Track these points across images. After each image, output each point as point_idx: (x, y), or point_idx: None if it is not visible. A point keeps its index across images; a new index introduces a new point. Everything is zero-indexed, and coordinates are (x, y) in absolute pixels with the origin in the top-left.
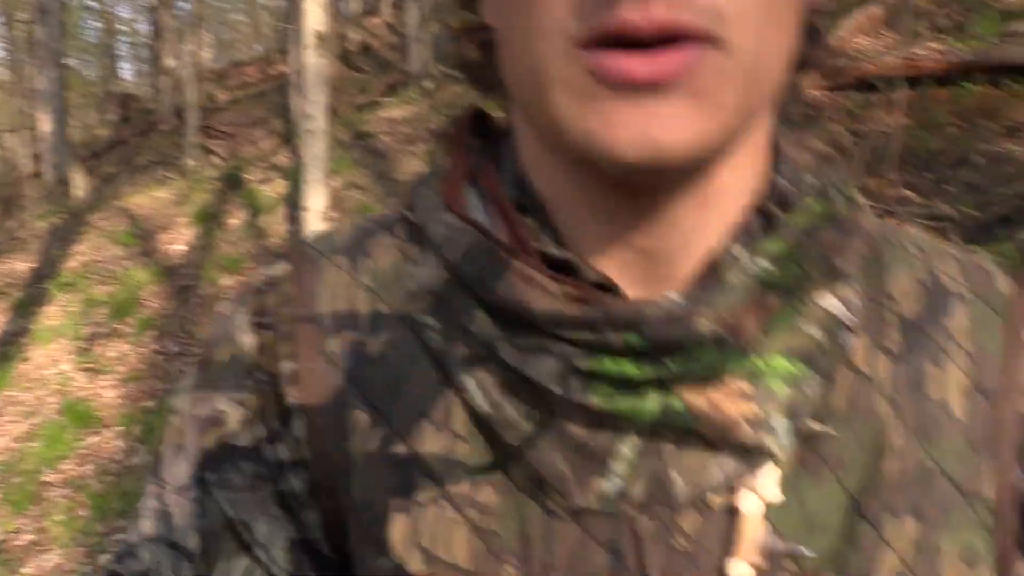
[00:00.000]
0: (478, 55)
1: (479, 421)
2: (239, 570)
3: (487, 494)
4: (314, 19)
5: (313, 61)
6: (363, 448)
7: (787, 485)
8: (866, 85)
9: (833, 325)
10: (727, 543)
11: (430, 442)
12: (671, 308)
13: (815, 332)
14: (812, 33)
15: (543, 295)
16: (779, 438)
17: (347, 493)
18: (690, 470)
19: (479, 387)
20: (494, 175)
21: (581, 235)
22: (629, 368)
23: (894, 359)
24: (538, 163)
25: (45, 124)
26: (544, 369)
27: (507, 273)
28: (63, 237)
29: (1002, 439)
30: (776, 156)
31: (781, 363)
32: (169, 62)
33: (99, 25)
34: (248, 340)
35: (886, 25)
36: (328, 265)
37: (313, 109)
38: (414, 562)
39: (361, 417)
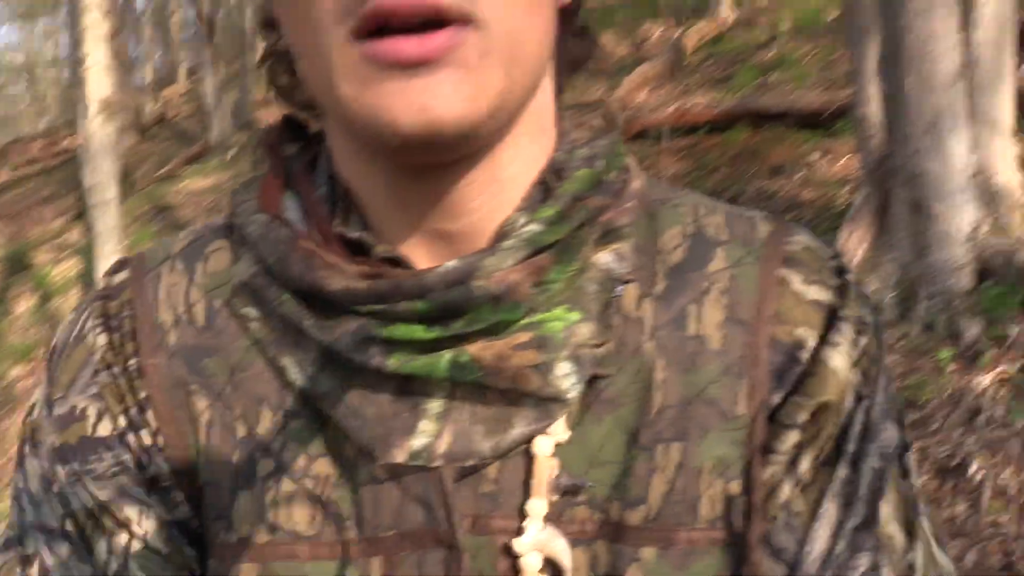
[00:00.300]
0: (286, 77)
1: (304, 398)
2: (120, 544)
3: (321, 465)
4: (99, 87)
5: (99, 130)
6: (207, 433)
7: (573, 426)
8: (646, 135)
9: (607, 279)
10: (526, 483)
11: (266, 422)
12: (448, 274)
13: (591, 286)
14: (574, 27)
15: (338, 275)
16: (566, 383)
17: (198, 476)
18: (491, 422)
19: (296, 365)
20: (305, 176)
21: (384, 220)
22: (419, 332)
23: (658, 302)
24: (344, 158)
25: None
26: (345, 341)
27: (308, 260)
28: None
29: (757, 362)
30: (559, 137)
31: (559, 313)
32: None
33: None
34: (98, 340)
35: (662, 80)
36: (166, 270)
37: (102, 179)
38: (259, 534)
39: (203, 405)
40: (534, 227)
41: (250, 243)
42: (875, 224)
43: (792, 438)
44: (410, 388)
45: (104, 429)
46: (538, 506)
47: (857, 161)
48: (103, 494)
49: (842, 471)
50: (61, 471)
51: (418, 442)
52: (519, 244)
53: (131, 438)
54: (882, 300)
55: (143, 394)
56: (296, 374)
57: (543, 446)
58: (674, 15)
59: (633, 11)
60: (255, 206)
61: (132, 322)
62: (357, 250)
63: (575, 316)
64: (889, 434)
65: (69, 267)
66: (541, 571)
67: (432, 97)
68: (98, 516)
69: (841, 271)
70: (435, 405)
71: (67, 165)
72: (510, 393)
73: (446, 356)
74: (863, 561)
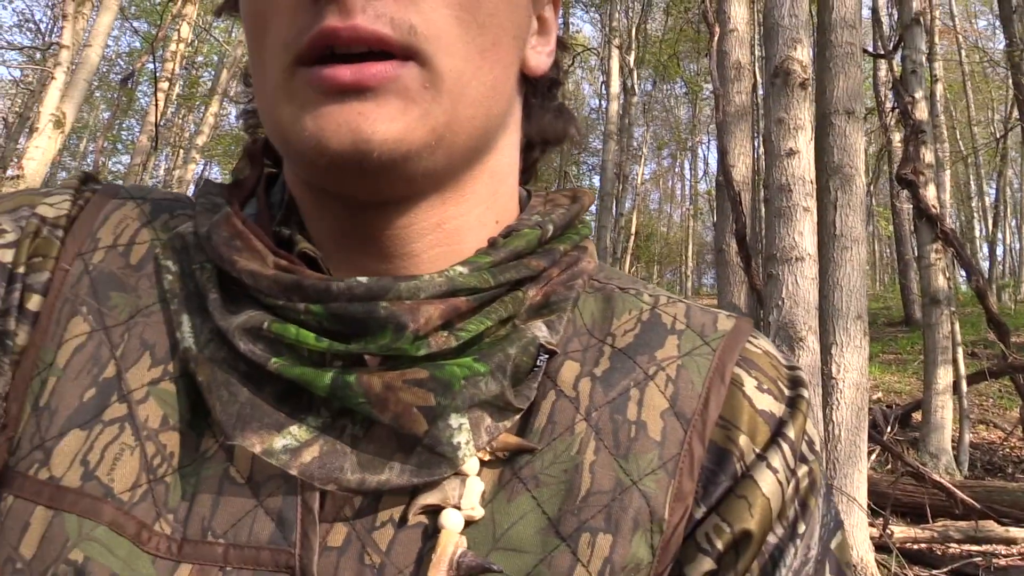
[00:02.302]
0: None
1: (187, 363)
2: None
3: (174, 441)
4: None
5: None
6: (70, 358)
7: (485, 503)
8: None
9: (531, 345)
10: (419, 560)
11: (140, 371)
12: (357, 287)
13: (511, 348)
14: (547, 102)
15: (253, 259)
16: (457, 437)
17: (39, 390)
18: (367, 457)
19: (191, 329)
20: (264, 188)
21: (327, 254)
22: (309, 338)
23: (598, 382)
24: (297, 194)
25: None
26: (234, 324)
27: (233, 237)
28: None
29: (691, 464)
30: (522, 210)
31: (465, 361)
32: None
33: None
34: (62, 206)
35: None
36: (132, 204)
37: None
38: (71, 476)
39: (82, 329)
40: (460, 268)
41: (196, 212)
42: None
43: (705, 565)
44: (297, 397)
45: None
46: None
47: None
48: None
49: None
50: None
51: (282, 441)
52: (440, 280)
53: None
54: None
55: (37, 282)
56: (188, 336)
57: (452, 519)
58: None
59: None
60: (218, 191)
61: (78, 217)
62: (289, 250)
63: (481, 368)
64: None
65: None
66: None
67: (363, 119)
68: None
69: (797, 383)
70: (315, 419)
71: None
72: (398, 437)
73: (330, 373)
74: None
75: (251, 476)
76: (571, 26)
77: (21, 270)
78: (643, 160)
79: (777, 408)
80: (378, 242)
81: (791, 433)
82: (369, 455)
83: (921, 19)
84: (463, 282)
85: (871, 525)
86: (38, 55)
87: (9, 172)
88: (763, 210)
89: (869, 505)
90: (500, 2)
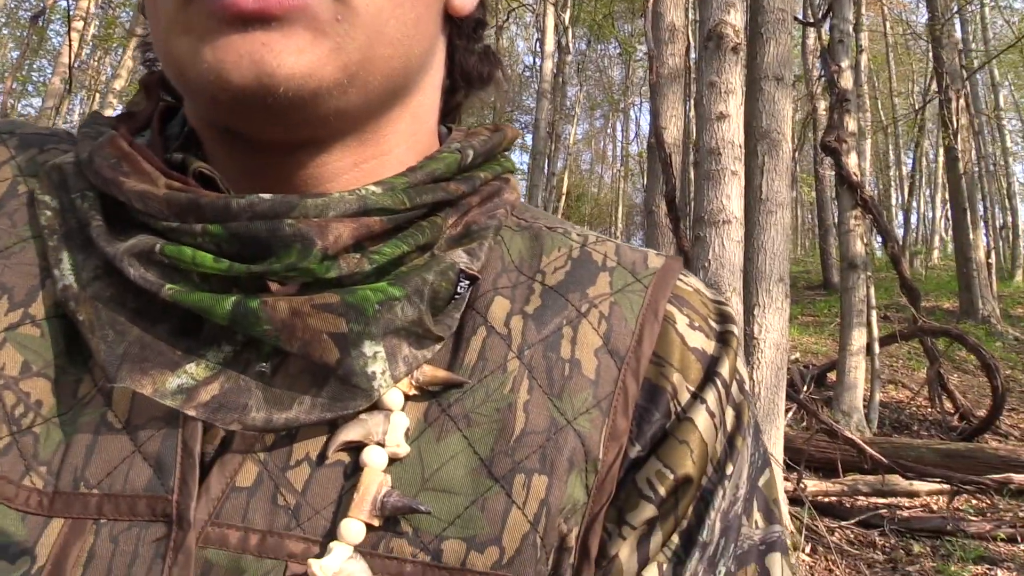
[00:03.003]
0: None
1: (60, 304)
2: None
3: (39, 385)
4: None
5: None
6: None
7: (411, 441)
8: None
9: (450, 270)
10: (340, 500)
11: (3, 315)
12: (259, 204)
13: (429, 275)
14: (472, 42)
15: (141, 180)
16: (372, 366)
17: None
18: (274, 392)
19: (71, 267)
20: (160, 120)
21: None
22: (207, 260)
23: (530, 319)
24: (201, 137)
25: None
26: (121, 249)
27: (119, 159)
28: None
29: (625, 403)
30: (442, 143)
31: (380, 286)
32: None
33: None
34: None
35: None
36: None
37: None
38: None
39: None
40: (373, 187)
41: (75, 142)
42: None
43: (647, 512)
44: (195, 330)
45: None
46: (354, 528)
47: None
48: None
49: (693, 566)
50: None
51: (177, 381)
52: (351, 198)
53: None
54: None
55: None
56: (68, 273)
57: (375, 457)
58: None
59: None
60: (106, 122)
61: None
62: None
63: (397, 292)
64: (747, 530)
65: None
66: None
67: (268, 51)
68: None
69: (726, 318)
70: (216, 354)
71: None
72: (309, 369)
73: (232, 298)
74: None
75: (129, 420)
76: None
77: None
78: (576, 120)
79: (708, 345)
80: (288, 183)
81: (723, 371)
82: (277, 390)
83: None
84: (376, 200)
85: (786, 479)
86: None
87: None
88: (693, 173)
89: (785, 461)
90: None
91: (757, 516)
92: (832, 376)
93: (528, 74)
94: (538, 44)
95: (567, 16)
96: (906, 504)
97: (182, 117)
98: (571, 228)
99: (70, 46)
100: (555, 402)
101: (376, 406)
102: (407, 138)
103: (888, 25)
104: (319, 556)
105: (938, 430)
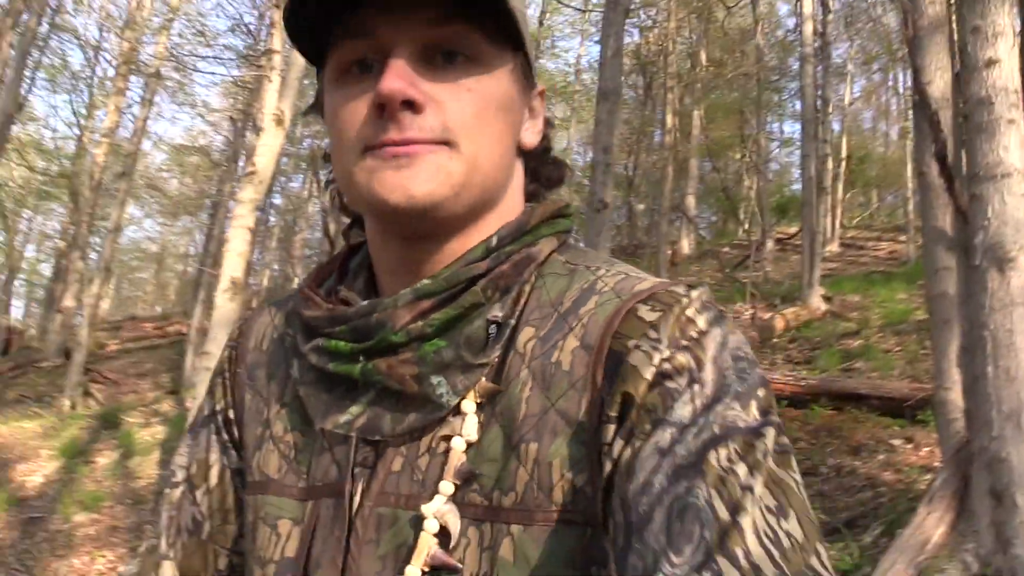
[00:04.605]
0: (339, 196)
1: (295, 388)
2: (216, 473)
3: (295, 437)
4: (232, 268)
5: (225, 305)
6: (246, 413)
7: (479, 432)
8: None
9: (484, 321)
10: (440, 469)
11: (275, 408)
12: (361, 310)
13: (468, 327)
14: (546, 159)
15: (315, 309)
16: (439, 390)
17: (243, 439)
18: (396, 413)
19: (297, 367)
20: (347, 256)
21: (384, 276)
22: (343, 346)
23: (540, 340)
24: (370, 235)
25: None
26: (307, 348)
27: (306, 301)
28: None
29: (596, 375)
30: None
31: (435, 342)
32: (67, 303)
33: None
34: (224, 353)
35: None
36: (265, 314)
37: (214, 349)
38: (254, 475)
39: (249, 396)
40: (426, 281)
41: (294, 297)
42: (954, 507)
43: (610, 431)
44: (353, 388)
45: (207, 408)
46: (446, 487)
47: (940, 452)
48: (203, 447)
49: (663, 433)
50: (190, 433)
51: (344, 417)
52: (407, 293)
53: (220, 415)
54: None
55: (231, 387)
56: (296, 370)
57: (456, 443)
58: (764, 300)
59: (723, 292)
60: (305, 281)
61: (238, 345)
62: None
63: (442, 343)
64: (734, 413)
65: (155, 432)
66: (436, 534)
67: (411, 183)
68: (201, 461)
69: (676, 297)
70: (365, 398)
71: (173, 346)
72: (409, 396)
73: (359, 364)
74: (682, 486)
75: (330, 444)
76: None
77: (221, 404)
78: (850, 79)
79: (655, 315)
80: (420, 262)
81: (662, 325)
82: (397, 412)
83: None
84: (424, 290)
85: None
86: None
87: (243, 168)
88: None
89: None
90: (501, 108)
91: (740, 409)
92: None
93: (791, 37)
94: (797, 5)
95: None
96: None
97: (364, 253)
98: (604, 266)
99: None
100: (545, 393)
101: (458, 412)
102: (497, 225)
103: None
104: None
105: None
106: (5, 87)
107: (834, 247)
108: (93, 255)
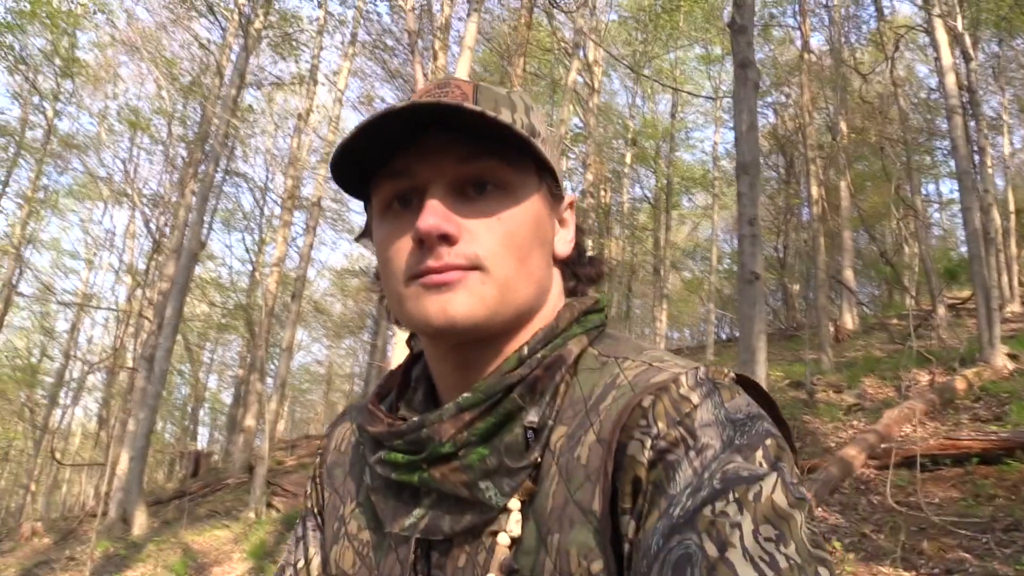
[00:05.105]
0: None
1: (367, 491)
2: (317, 565)
3: (366, 535)
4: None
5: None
6: (326, 511)
7: (523, 526)
8: (912, 463)
9: (520, 426)
10: (485, 564)
11: (349, 505)
12: (413, 425)
13: (507, 434)
14: (582, 261)
15: (379, 424)
16: (488, 493)
17: (323, 533)
18: (454, 515)
19: (368, 473)
20: (406, 370)
21: (441, 381)
22: (399, 457)
23: (567, 437)
24: (426, 347)
25: (123, 464)
26: (373, 459)
27: (371, 417)
28: (118, 563)
29: (606, 465)
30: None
31: (479, 451)
32: (248, 422)
33: (186, 391)
34: (316, 460)
35: (929, 416)
36: (345, 420)
37: None
38: (331, 568)
39: (328, 494)
40: (467, 394)
41: (360, 411)
42: None
43: (626, 521)
44: (416, 493)
45: (306, 505)
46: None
47: None
48: (305, 540)
49: (666, 502)
50: (299, 528)
51: (409, 521)
52: (451, 407)
53: (314, 511)
54: None
55: (318, 487)
56: (367, 477)
57: (502, 539)
58: (941, 364)
59: (896, 360)
60: (368, 396)
61: (325, 449)
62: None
63: (485, 451)
64: (735, 465)
65: None
66: None
67: (450, 306)
68: (302, 535)
69: (667, 385)
70: (426, 502)
71: None
72: (460, 501)
73: (418, 473)
74: (675, 540)
75: (396, 544)
76: (884, 9)
77: (312, 501)
78: (1006, 128)
79: (649, 401)
80: (468, 368)
81: (653, 410)
82: (454, 514)
83: None
84: (465, 403)
85: None
86: None
87: None
88: None
89: None
90: (530, 231)
91: (761, 460)
92: None
93: (936, 95)
94: (935, 61)
95: (959, 22)
96: None
97: (422, 362)
98: (633, 354)
99: None
100: (567, 486)
101: (506, 510)
102: (538, 330)
103: None
104: None
105: None
106: (189, 228)
107: (1015, 307)
108: (269, 380)
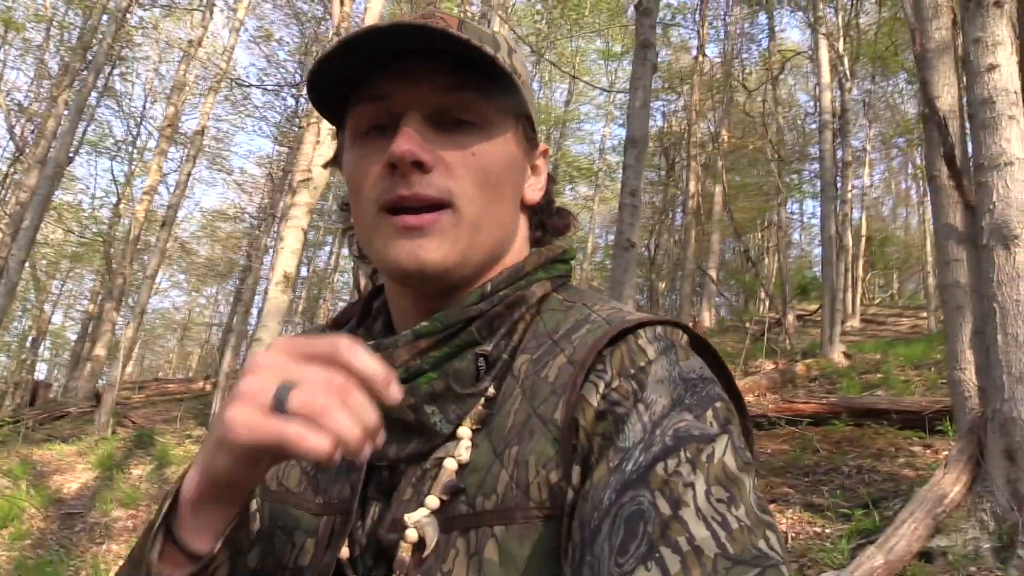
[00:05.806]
0: (356, 244)
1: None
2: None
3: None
4: (285, 263)
5: (277, 296)
6: None
7: (474, 451)
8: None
9: (474, 354)
10: (431, 488)
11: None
12: (373, 346)
13: (459, 362)
14: (550, 211)
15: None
16: (434, 419)
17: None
18: (400, 441)
19: None
20: (368, 300)
21: (400, 322)
22: None
23: (533, 362)
24: (388, 287)
25: None
26: None
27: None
28: None
29: (574, 386)
30: None
31: (427, 376)
32: (99, 351)
33: (27, 322)
34: None
35: (770, 390)
36: None
37: (269, 338)
38: (272, 483)
39: None
40: (424, 323)
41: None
42: (970, 471)
43: (580, 434)
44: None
45: None
46: (431, 500)
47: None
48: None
49: (614, 455)
50: None
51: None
52: (408, 333)
53: None
54: (979, 548)
55: None
56: None
57: (448, 463)
58: (786, 357)
59: (748, 351)
60: (335, 316)
61: None
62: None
63: (433, 375)
64: (686, 424)
65: (190, 450)
66: (415, 544)
67: (422, 250)
68: None
69: (629, 330)
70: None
71: (199, 399)
72: (412, 426)
73: None
74: (628, 496)
75: (347, 467)
76: (776, 30)
77: None
78: (867, 162)
79: (608, 348)
80: (429, 313)
81: (611, 357)
82: (400, 439)
83: None
84: (421, 330)
85: None
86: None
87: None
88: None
89: None
90: (503, 171)
91: (712, 420)
92: None
93: (813, 124)
94: (815, 87)
95: (841, 45)
96: None
97: (383, 296)
98: (600, 303)
99: None
100: (530, 403)
101: (454, 437)
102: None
103: None
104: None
105: None
106: (59, 139)
107: (855, 322)
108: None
